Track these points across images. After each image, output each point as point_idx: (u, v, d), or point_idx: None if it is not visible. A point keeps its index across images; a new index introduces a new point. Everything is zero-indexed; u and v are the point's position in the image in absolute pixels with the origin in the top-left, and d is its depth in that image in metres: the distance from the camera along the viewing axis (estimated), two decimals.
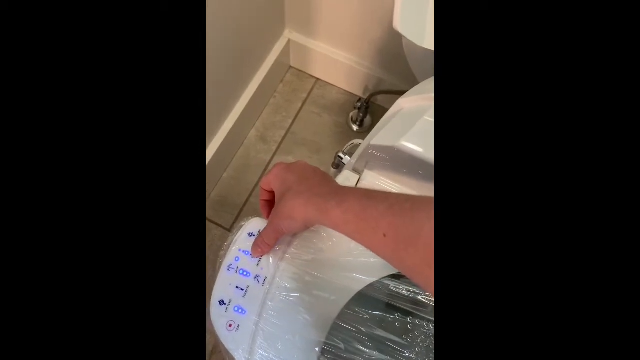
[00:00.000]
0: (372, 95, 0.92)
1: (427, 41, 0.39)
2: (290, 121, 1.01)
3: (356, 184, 0.48)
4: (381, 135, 0.40)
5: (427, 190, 0.45)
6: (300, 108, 1.03)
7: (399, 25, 0.39)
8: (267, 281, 0.45)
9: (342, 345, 0.46)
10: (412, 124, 0.38)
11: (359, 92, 1.03)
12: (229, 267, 0.46)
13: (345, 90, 1.04)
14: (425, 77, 0.46)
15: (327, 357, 0.45)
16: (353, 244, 0.36)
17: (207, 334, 0.86)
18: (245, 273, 0.45)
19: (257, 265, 0.46)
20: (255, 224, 0.48)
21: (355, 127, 1.01)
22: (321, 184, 0.39)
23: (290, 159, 0.98)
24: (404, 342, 0.46)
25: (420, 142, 0.38)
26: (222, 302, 0.45)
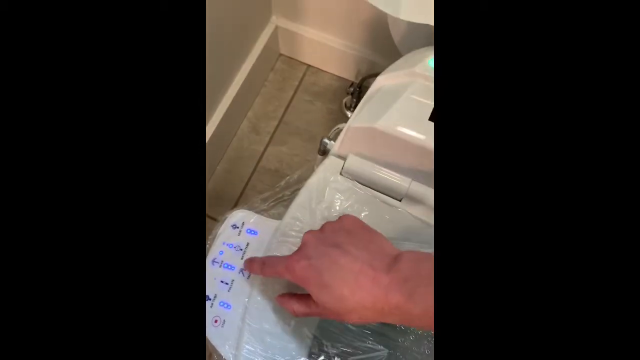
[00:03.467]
0: (364, 79, 0.90)
1: (404, 12, 0.37)
2: (282, 110, 0.99)
3: (341, 170, 0.46)
4: (360, 117, 0.38)
5: (413, 174, 0.43)
6: (292, 96, 1.01)
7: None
8: (252, 274, 0.43)
9: (335, 337, 0.44)
10: (391, 103, 0.36)
11: (351, 76, 1.00)
12: (214, 261, 0.45)
13: (337, 76, 1.02)
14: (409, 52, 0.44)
15: (318, 350, 0.43)
16: None
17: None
18: (229, 267, 0.44)
19: (242, 258, 0.44)
20: (238, 216, 0.46)
21: (349, 114, 0.98)
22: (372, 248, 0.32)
23: (284, 150, 0.96)
24: (397, 329, 0.45)
25: (401, 122, 0.36)
26: (207, 298, 0.43)
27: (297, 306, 0.36)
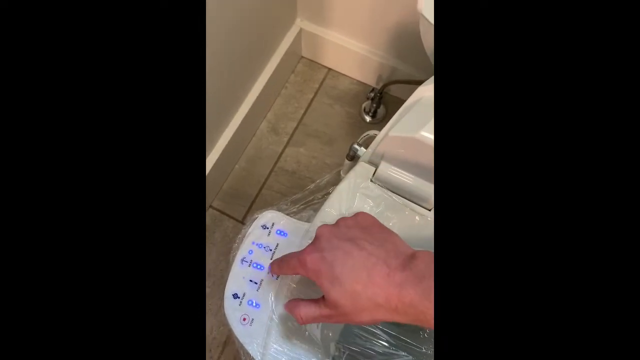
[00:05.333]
0: (385, 85, 0.90)
1: None
2: (301, 112, 1.00)
3: (372, 176, 0.47)
4: (400, 126, 0.38)
5: None
6: (312, 99, 1.01)
7: (423, 7, 0.37)
8: (281, 275, 0.44)
9: (358, 341, 0.45)
10: (432, 114, 0.36)
11: (372, 82, 1.01)
12: (242, 260, 0.45)
13: (357, 81, 1.03)
14: None
15: (342, 352, 0.44)
16: None
17: (220, 325, 0.86)
18: (259, 266, 0.45)
19: (271, 259, 0.45)
20: (268, 217, 0.47)
21: (368, 118, 0.99)
22: (386, 247, 0.31)
23: (302, 151, 0.96)
24: (421, 337, 0.45)
25: None
26: (235, 296, 0.44)
27: (305, 310, 0.33)
